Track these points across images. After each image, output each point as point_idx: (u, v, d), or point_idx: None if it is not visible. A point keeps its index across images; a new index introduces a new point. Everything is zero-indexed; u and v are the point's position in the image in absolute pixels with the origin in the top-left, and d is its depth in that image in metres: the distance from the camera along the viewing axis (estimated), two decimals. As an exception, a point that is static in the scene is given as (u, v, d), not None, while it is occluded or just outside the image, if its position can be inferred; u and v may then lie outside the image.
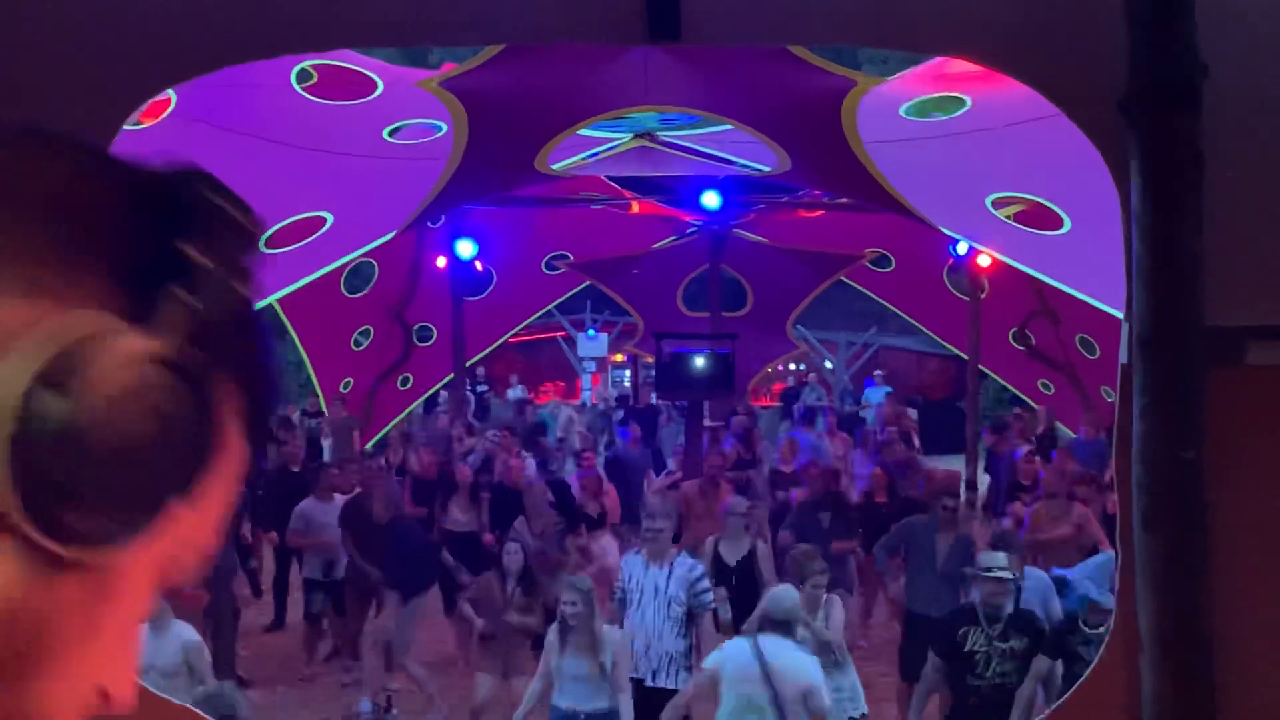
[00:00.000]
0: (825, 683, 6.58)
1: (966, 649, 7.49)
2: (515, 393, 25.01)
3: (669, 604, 8.25)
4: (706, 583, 8.55)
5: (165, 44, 3.37)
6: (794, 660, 6.48)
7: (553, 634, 7.74)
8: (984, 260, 16.29)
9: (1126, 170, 3.52)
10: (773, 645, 6.44)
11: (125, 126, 9.59)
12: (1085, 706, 3.87)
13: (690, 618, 8.32)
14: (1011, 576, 7.81)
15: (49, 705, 0.72)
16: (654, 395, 19.23)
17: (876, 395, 24.69)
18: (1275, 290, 3.57)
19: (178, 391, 0.71)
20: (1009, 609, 7.63)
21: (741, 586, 9.54)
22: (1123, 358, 3.63)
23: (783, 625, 6.51)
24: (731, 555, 9.80)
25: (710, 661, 6.92)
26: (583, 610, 7.49)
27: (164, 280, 0.76)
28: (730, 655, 6.71)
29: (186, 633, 7.91)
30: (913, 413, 21.96)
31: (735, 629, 9.63)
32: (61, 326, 0.70)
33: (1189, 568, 3.56)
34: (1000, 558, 7.93)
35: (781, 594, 6.79)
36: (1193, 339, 3.50)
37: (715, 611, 9.28)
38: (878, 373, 26.09)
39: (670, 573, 8.38)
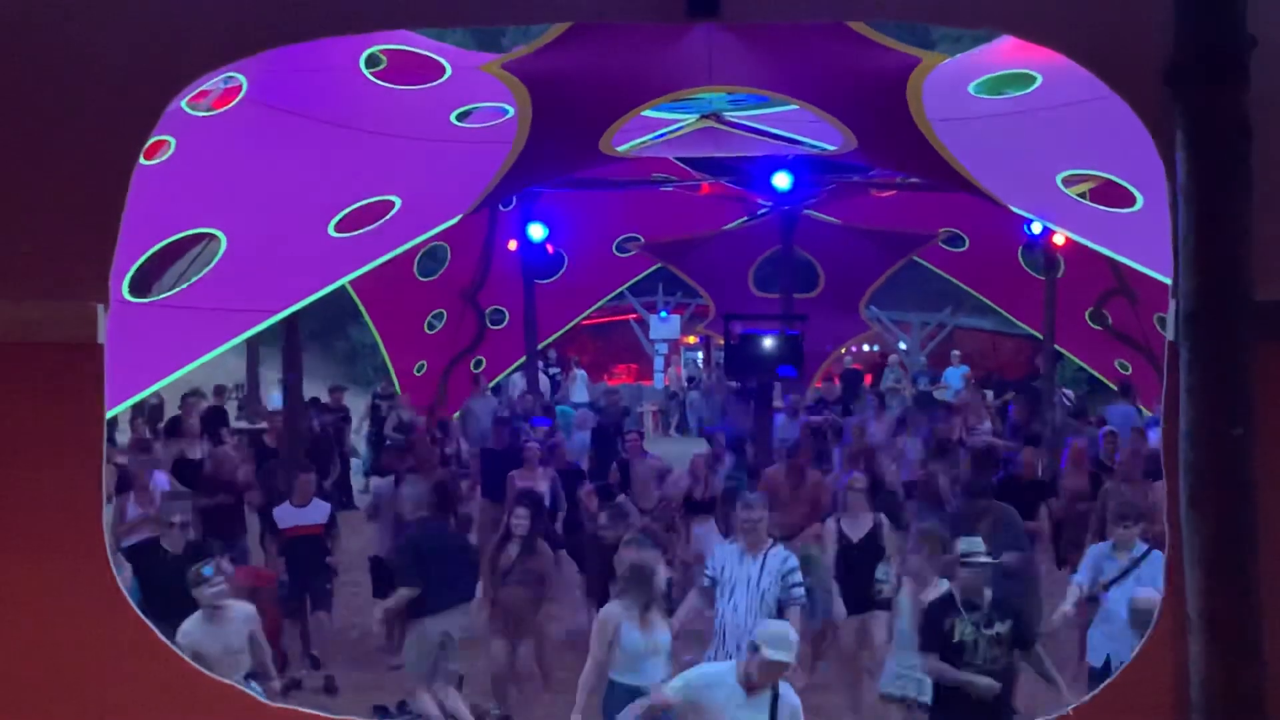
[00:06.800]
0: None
1: (956, 640, 7.25)
2: (580, 376, 25.09)
3: (761, 596, 8.15)
4: (799, 575, 8.42)
5: (212, 25, 3.43)
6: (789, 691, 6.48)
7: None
8: (1059, 239, 16.06)
9: (1173, 143, 3.47)
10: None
11: (198, 114, 9.70)
12: (1134, 684, 3.84)
13: (780, 610, 8.16)
14: (990, 561, 7.61)
15: None
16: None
17: (954, 377, 24.48)
18: (1325, 264, 3.50)
19: None
20: (988, 594, 7.48)
21: (866, 562, 9.47)
22: (1169, 335, 3.58)
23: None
24: (855, 532, 9.77)
25: (686, 683, 6.48)
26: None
27: None
28: (714, 682, 6.53)
29: (246, 610, 8.10)
30: (988, 393, 21.69)
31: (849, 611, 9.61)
32: None
33: (1237, 545, 3.51)
34: (978, 542, 7.68)
35: (775, 628, 6.60)
36: (1240, 314, 3.45)
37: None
38: (955, 353, 25.80)
39: (763, 564, 8.27)
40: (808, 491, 11.34)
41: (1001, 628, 7.30)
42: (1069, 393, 16.94)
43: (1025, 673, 7.61)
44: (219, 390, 19.04)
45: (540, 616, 9.86)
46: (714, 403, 21.96)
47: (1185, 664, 3.61)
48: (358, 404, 21.53)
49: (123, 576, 9.06)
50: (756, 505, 8.69)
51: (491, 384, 19.32)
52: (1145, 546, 8.29)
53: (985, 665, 7.25)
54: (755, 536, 8.35)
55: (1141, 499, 10.60)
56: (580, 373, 25.48)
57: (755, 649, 6.26)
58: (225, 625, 7.85)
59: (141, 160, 3.66)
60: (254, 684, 7.82)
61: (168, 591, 8.51)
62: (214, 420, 16.31)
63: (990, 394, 21.63)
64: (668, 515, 11.50)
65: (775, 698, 6.31)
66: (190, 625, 7.90)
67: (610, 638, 7.41)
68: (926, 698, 7.84)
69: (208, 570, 7.93)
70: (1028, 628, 7.61)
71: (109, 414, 4.60)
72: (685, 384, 23.00)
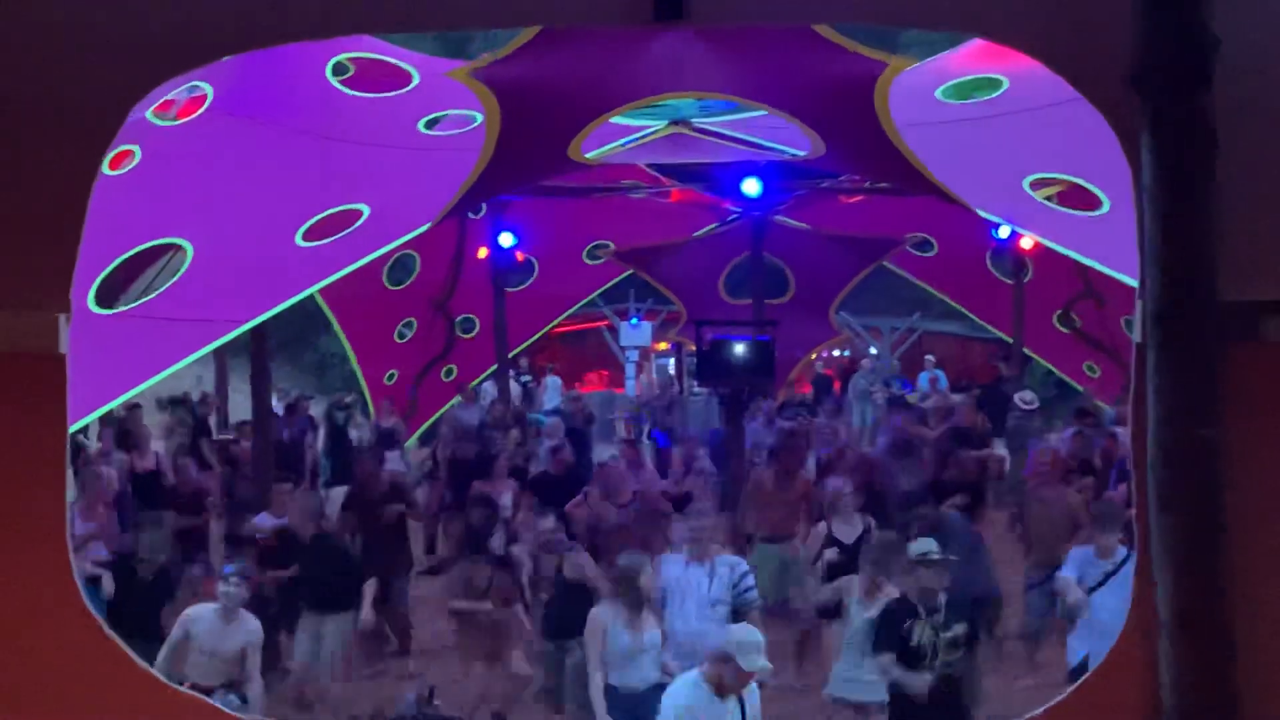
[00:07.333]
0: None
1: (914, 643, 7.22)
2: (552, 383, 24.97)
3: (713, 605, 8.12)
4: (751, 579, 8.40)
5: (174, 31, 3.39)
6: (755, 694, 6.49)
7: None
8: (1027, 243, 16.16)
9: (1139, 146, 3.48)
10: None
11: (163, 123, 9.62)
12: (1102, 688, 3.83)
13: (736, 616, 8.11)
14: (945, 559, 7.60)
15: None
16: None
17: (926, 382, 24.52)
18: (1291, 265, 3.51)
19: None
20: (943, 597, 7.42)
21: (854, 564, 9.45)
22: (1136, 336, 3.59)
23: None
24: (847, 535, 9.75)
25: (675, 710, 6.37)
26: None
27: None
28: (695, 699, 6.46)
29: (253, 624, 8.16)
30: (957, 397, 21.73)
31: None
32: None
33: (1208, 547, 3.52)
34: (931, 543, 7.69)
35: (745, 635, 6.57)
36: (1207, 315, 3.45)
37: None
38: (929, 357, 25.88)
39: (713, 571, 8.24)
40: (794, 494, 11.34)
41: (958, 630, 7.30)
42: (1026, 395, 16.98)
43: (1002, 673, 7.64)
44: (181, 401, 18.78)
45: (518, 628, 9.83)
46: (685, 409, 21.95)
47: (1155, 665, 3.61)
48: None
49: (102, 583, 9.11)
50: (702, 514, 8.74)
51: (474, 384, 19.19)
52: (1125, 551, 8.28)
53: (941, 670, 7.24)
54: (702, 546, 8.36)
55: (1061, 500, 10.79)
56: (554, 379, 25.38)
57: (727, 659, 6.23)
58: (231, 629, 7.97)
59: (106, 170, 3.62)
60: (232, 696, 7.83)
61: (139, 607, 8.56)
62: (194, 431, 16.21)
63: (959, 397, 21.66)
64: (648, 509, 11.24)
65: (741, 696, 6.36)
66: (198, 612, 7.97)
67: (600, 638, 7.43)
68: (876, 698, 7.83)
69: (228, 569, 8.06)
70: (983, 629, 7.62)
71: (75, 426, 4.55)
72: (658, 392, 22.93)
